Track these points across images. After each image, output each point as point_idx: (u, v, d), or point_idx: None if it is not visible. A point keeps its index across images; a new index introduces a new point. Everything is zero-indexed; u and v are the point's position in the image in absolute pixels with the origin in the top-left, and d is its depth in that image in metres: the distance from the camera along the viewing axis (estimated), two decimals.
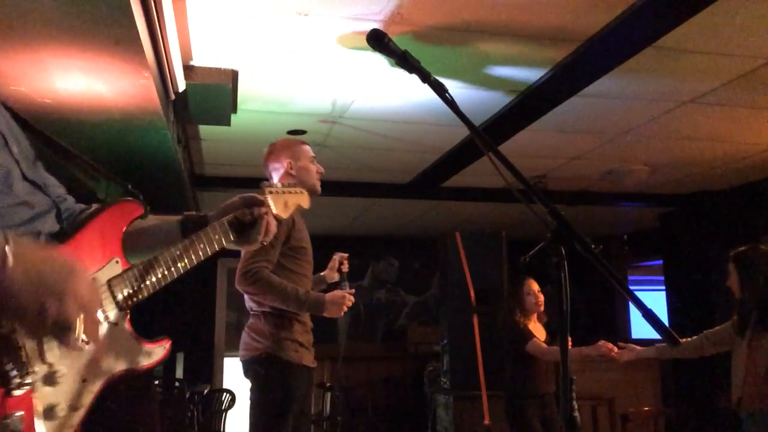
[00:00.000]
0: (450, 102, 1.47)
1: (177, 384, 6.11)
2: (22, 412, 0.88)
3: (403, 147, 4.67)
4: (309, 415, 2.77)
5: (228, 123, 3.73)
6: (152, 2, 2.20)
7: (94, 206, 1.18)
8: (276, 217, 1.44)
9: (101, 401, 1.05)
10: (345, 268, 2.96)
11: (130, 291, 1.10)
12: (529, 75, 3.35)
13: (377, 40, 1.52)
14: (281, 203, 1.51)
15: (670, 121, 4.06)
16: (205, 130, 4.25)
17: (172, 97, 3.11)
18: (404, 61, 1.52)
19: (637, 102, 3.77)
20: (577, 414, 4.55)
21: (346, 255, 3.00)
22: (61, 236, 1.07)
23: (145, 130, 3.30)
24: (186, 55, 3.02)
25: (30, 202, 1.07)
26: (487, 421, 4.42)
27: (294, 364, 2.60)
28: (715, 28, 2.83)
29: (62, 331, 0.91)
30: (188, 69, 3.13)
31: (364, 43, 1.55)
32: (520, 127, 4.10)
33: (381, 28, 1.56)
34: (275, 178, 2.78)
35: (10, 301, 0.84)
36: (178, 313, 7.25)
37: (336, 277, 2.99)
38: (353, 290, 2.77)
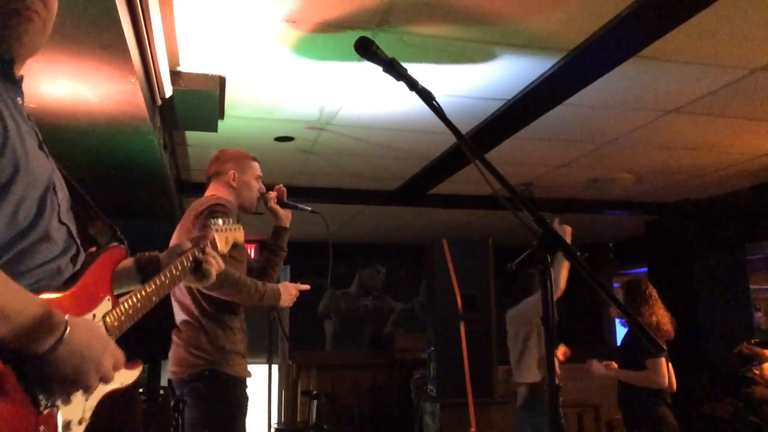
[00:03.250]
0: (437, 109, 1.48)
1: (161, 392, 6.05)
2: (45, 428, 1.07)
3: (391, 154, 4.68)
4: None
5: (215, 129, 3.72)
6: (139, 7, 2.19)
7: (92, 251, 1.36)
8: (219, 253, 1.67)
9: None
10: (282, 194, 2.83)
11: (119, 323, 1.27)
12: (516, 84, 3.38)
13: (365, 48, 1.53)
14: (224, 240, 1.75)
15: (655, 130, 4.10)
16: (191, 136, 4.23)
17: (159, 102, 3.10)
18: (392, 68, 1.52)
19: (622, 111, 3.81)
20: (563, 421, 4.56)
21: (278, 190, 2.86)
22: (71, 279, 1.24)
23: (131, 136, 3.28)
24: (173, 61, 3.01)
25: (55, 239, 1.22)
26: (473, 429, 4.42)
27: (237, 378, 2.51)
28: (699, 39, 2.87)
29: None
30: (175, 75, 3.11)
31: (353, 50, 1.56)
32: (507, 135, 4.12)
33: (368, 36, 1.57)
34: (214, 183, 2.72)
35: (56, 374, 1.05)
36: (163, 320, 7.18)
37: (283, 216, 2.83)
38: (308, 286, 2.73)
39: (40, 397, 1.05)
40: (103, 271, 1.31)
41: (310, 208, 2.85)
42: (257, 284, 2.53)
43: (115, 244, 1.39)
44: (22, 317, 1.00)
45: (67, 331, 1.05)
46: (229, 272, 2.42)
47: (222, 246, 1.72)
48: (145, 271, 1.48)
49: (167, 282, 1.43)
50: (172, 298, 2.61)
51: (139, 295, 1.33)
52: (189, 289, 2.53)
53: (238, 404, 2.50)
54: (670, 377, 3.60)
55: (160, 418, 5.59)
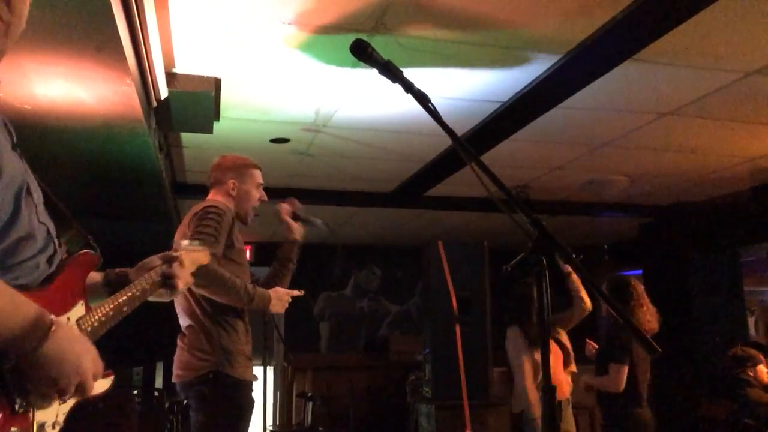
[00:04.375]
0: (433, 112, 1.48)
1: (156, 394, 6.03)
2: (18, 428, 1.06)
3: (387, 156, 4.68)
4: None
5: (210, 131, 3.71)
6: (135, 9, 2.18)
7: (64, 258, 1.37)
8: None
9: (73, 416, 1.22)
10: (298, 207, 2.83)
11: (92, 329, 1.27)
12: (512, 86, 3.38)
13: (361, 51, 1.53)
14: (188, 259, 1.79)
15: (650, 132, 4.11)
16: (187, 137, 4.23)
17: (154, 104, 3.09)
18: (387, 70, 1.52)
19: (618, 113, 3.82)
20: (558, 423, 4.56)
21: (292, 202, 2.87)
22: (47, 279, 1.24)
23: (127, 138, 3.27)
24: (168, 62, 3.00)
25: (37, 237, 1.22)
26: (468, 430, 4.42)
27: (243, 381, 2.49)
28: (694, 42, 2.88)
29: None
30: (171, 76, 3.11)
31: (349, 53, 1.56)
32: (503, 137, 4.13)
33: (365, 38, 1.57)
34: (214, 190, 2.72)
35: (35, 374, 1.05)
36: (157, 323, 7.16)
37: (296, 229, 2.83)
38: (301, 293, 2.71)
39: (16, 398, 1.05)
40: (77, 275, 1.31)
41: (320, 221, 2.82)
42: (246, 286, 2.49)
43: (88, 251, 1.39)
44: (13, 320, 1.00)
45: (52, 330, 1.05)
46: (217, 271, 2.39)
47: (188, 266, 1.78)
48: (114, 287, 1.50)
49: (138, 294, 1.46)
50: (176, 305, 2.60)
51: (112, 304, 1.36)
52: (190, 292, 2.50)
53: (242, 408, 2.48)
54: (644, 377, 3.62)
55: (155, 420, 5.57)
